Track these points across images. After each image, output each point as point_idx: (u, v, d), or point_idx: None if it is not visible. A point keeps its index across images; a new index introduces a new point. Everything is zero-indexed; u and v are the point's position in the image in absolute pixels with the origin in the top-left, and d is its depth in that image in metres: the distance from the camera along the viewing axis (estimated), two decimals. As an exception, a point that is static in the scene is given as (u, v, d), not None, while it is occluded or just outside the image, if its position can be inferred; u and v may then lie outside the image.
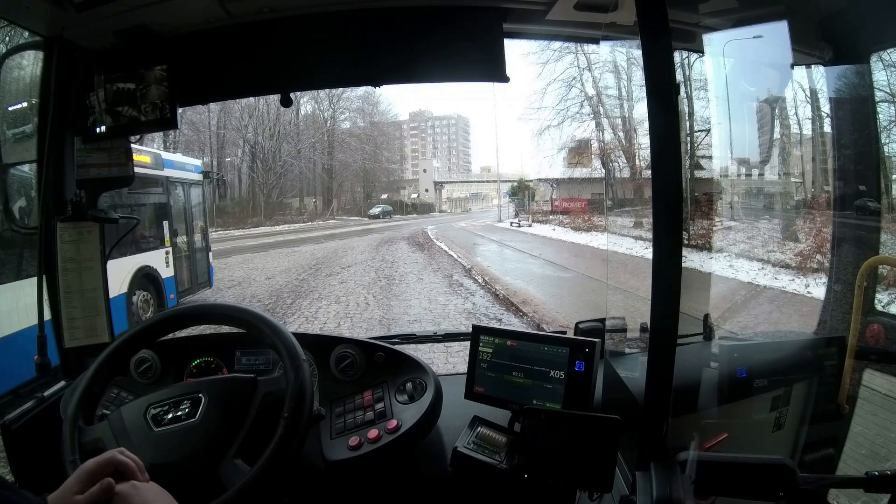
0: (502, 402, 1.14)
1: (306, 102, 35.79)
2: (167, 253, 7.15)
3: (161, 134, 19.13)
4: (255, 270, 12.08)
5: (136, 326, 1.02)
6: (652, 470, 0.82)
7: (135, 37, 1.26)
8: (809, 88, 1.74)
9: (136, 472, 0.72)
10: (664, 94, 0.80)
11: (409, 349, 1.41)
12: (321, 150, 37.47)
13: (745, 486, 0.75)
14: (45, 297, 1.34)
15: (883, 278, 1.43)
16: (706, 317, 1.39)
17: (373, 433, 1.15)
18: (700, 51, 1.38)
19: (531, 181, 31.35)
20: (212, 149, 30.73)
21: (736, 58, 1.46)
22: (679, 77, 0.82)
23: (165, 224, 7.16)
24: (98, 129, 1.33)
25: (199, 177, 8.23)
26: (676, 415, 0.86)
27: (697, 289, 1.45)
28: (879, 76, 1.38)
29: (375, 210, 38.39)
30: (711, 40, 1.33)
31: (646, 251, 0.91)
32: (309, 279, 10.68)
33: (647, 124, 0.81)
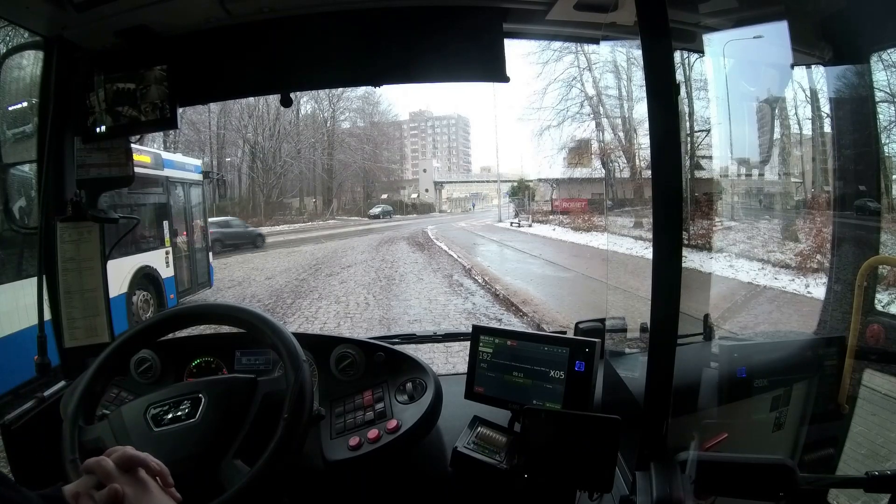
0: (502, 402, 1.14)
1: (306, 102, 35.85)
2: (167, 253, 7.15)
3: (161, 134, 19.12)
4: (255, 270, 12.08)
5: (136, 326, 1.02)
6: (652, 470, 0.82)
7: (135, 37, 1.26)
8: (809, 88, 1.74)
9: (165, 476, 0.72)
10: (664, 94, 0.80)
11: (409, 349, 1.41)
12: (321, 150, 37.49)
13: (745, 486, 0.76)
14: (45, 297, 1.33)
15: (883, 278, 1.44)
16: (706, 317, 1.39)
17: (373, 433, 1.15)
18: (700, 51, 1.38)
19: (531, 181, 31.35)
20: (212, 149, 30.73)
21: (736, 58, 1.46)
22: (679, 77, 0.82)
23: (165, 224, 7.16)
24: (98, 129, 1.33)
25: (199, 177, 8.23)
26: (676, 415, 0.86)
27: (697, 289, 1.45)
28: (879, 76, 1.38)
29: (375, 210, 38.44)
30: (711, 40, 1.33)
31: (646, 251, 0.91)
32: (309, 279, 10.68)
33: (647, 124, 0.81)
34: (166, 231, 7.18)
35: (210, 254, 8.56)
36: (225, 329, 1.16)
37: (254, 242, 17.80)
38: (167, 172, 7.19)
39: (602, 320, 1.47)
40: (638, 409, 0.87)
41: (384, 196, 42.26)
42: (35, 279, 1.32)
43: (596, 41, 1.45)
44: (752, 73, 1.54)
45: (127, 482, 0.66)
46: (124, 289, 6.08)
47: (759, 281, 7.29)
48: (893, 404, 1.32)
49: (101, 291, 1.39)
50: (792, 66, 1.42)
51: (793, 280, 7.01)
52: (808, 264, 7.26)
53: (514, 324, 6.99)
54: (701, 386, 1.15)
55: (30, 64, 1.44)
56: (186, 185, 7.84)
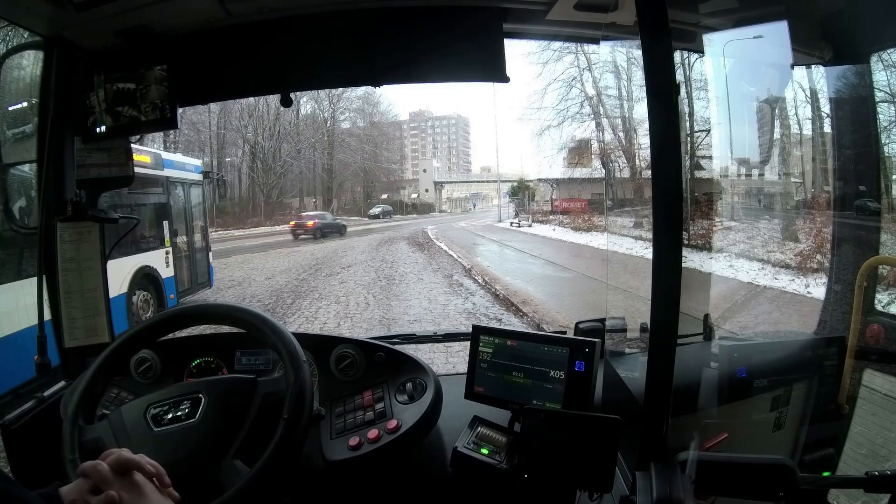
0: (502, 402, 1.14)
1: (306, 102, 35.90)
2: (167, 253, 7.15)
3: (161, 134, 19.17)
4: (255, 270, 12.08)
5: (136, 326, 1.02)
6: (652, 470, 0.82)
7: (135, 37, 1.26)
8: (809, 88, 1.74)
9: (161, 476, 0.72)
10: (664, 94, 0.80)
11: (409, 349, 1.41)
12: (321, 150, 37.53)
13: (745, 486, 0.75)
14: (45, 297, 1.33)
15: (883, 278, 1.43)
16: (706, 317, 1.39)
17: (373, 433, 1.15)
18: (700, 51, 1.38)
19: (531, 181, 31.36)
20: (212, 149, 30.74)
21: (736, 58, 1.46)
22: (679, 77, 0.82)
23: (165, 224, 7.17)
24: (98, 129, 1.33)
25: (199, 177, 8.23)
26: (676, 415, 0.86)
27: (697, 289, 1.45)
28: (879, 76, 1.38)
29: (375, 210, 38.52)
30: (711, 40, 1.33)
31: (646, 251, 0.91)
32: (309, 279, 10.68)
33: (647, 124, 0.81)
34: (166, 231, 7.18)
35: (210, 254, 8.56)
36: (225, 329, 1.15)
37: (339, 231, 22.89)
38: (167, 172, 7.19)
39: (602, 320, 1.47)
40: (638, 409, 0.87)
41: (384, 196, 42.31)
42: (35, 279, 1.32)
43: (596, 41, 1.45)
44: (752, 73, 1.54)
45: (122, 486, 0.66)
46: (124, 289, 6.07)
47: (759, 281, 7.28)
48: (893, 404, 1.32)
49: (101, 291, 1.39)
50: (792, 66, 1.42)
51: (793, 280, 7.00)
52: (808, 264, 7.26)
53: (514, 324, 6.99)
54: (701, 386, 1.15)
55: (30, 64, 1.44)
56: (186, 185, 7.84)
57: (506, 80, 1.30)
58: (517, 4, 1.26)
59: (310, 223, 22.04)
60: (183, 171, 7.78)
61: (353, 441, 1.16)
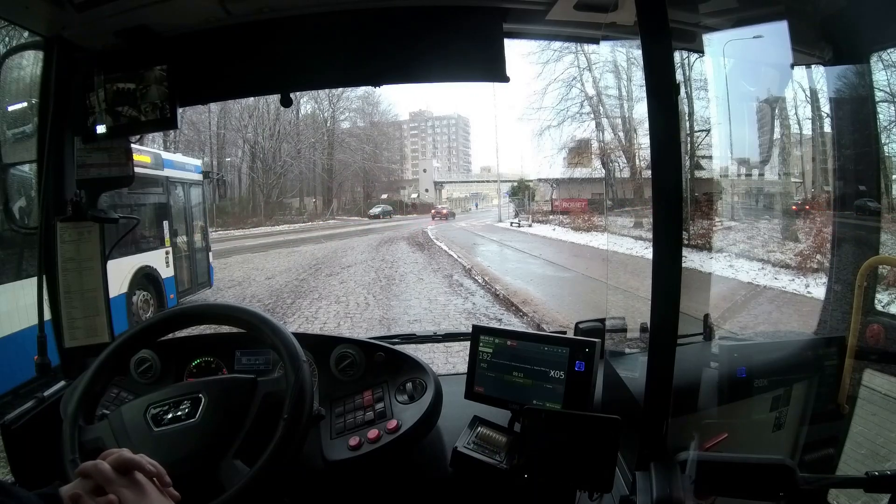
0: (502, 402, 1.14)
1: (306, 102, 36.00)
2: (167, 253, 7.15)
3: (161, 134, 19.21)
4: (255, 270, 12.08)
5: (136, 326, 1.02)
6: (652, 470, 0.82)
7: (135, 37, 1.26)
8: (809, 88, 1.74)
9: (162, 476, 0.71)
10: (664, 94, 0.80)
11: (409, 349, 1.41)
12: (321, 150, 37.59)
13: (745, 486, 0.76)
14: (45, 297, 1.33)
15: (883, 278, 1.43)
16: (706, 317, 1.39)
17: (373, 433, 1.15)
18: (700, 51, 1.38)
19: (531, 181, 31.42)
20: (212, 149, 30.80)
21: (736, 58, 1.46)
22: (679, 77, 0.82)
23: (165, 224, 7.16)
24: (98, 129, 1.33)
25: (199, 177, 8.22)
26: (676, 415, 0.86)
27: (697, 289, 1.45)
28: (879, 76, 1.38)
29: (375, 210, 38.63)
30: (711, 40, 1.33)
31: (645, 251, 0.91)
32: (309, 279, 10.68)
33: (647, 124, 0.81)
34: (166, 231, 7.18)
35: (210, 254, 8.56)
36: (225, 329, 1.15)
37: (454, 216, 37.34)
38: (167, 172, 7.18)
39: (602, 320, 1.47)
40: (638, 409, 0.87)
41: (384, 196, 42.38)
42: (35, 279, 1.32)
43: (596, 41, 1.45)
44: (752, 73, 1.54)
45: (123, 485, 0.66)
46: (124, 289, 6.07)
47: (759, 281, 7.28)
48: (893, 404, 1.32)
49: (101, 291, 1.39)
50: (792, 66, 1.42)
51: (793, 280, 7.00)
52: (808, 264, 7.26)
53: (514, 324, 6.99)
54: (701, 386, 1.15)
55: (30, 64, 1.44)
56: (186, 185, 7.84)
57: (506, 80, 1.30)
58: (517, 4, 1.26)
59: (444, 211, 37.50)
60: (183, 171, 7.77)
61: (353, 441, 1.16)
